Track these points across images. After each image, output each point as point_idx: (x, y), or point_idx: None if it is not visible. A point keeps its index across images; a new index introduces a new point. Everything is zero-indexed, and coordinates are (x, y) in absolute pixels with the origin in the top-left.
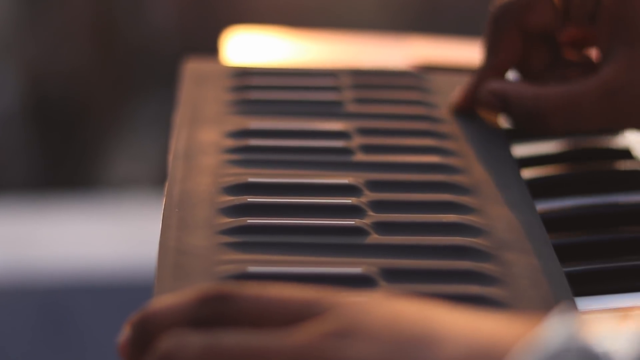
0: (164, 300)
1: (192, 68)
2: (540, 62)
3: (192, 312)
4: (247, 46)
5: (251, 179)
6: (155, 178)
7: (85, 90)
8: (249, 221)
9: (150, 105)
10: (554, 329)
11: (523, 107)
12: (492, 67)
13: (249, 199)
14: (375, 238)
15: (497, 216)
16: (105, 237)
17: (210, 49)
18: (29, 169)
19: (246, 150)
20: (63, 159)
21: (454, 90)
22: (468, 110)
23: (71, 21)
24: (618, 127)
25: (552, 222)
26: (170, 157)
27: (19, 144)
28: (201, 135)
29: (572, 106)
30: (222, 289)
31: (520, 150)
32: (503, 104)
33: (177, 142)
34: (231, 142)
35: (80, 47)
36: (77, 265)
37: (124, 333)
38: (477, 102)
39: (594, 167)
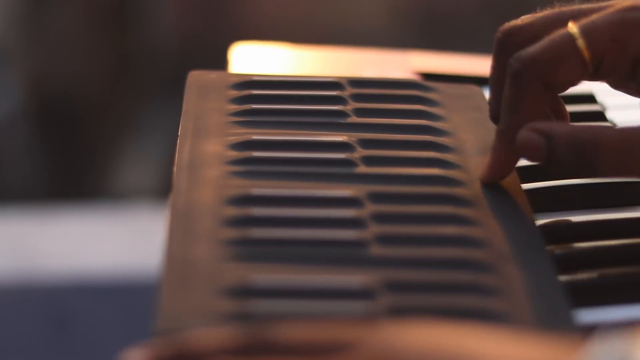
0: (196, 339)
1: (195, 79)
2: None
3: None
4: (252, 61)
5: (255, 191)
6: (160, 185)
7: (89, 96)
8: (253, 233)
9: (155, 112)
10: (602, 353)
11: (574, 146)
12: (514, 126)
13: (252, 211)
14: (376, 250)
15: (497, 228)
16: (109, 244)
17: (217, 54)
18: (32, 174)
19: (250, 161)
20: (66, 165)
21: (481, 165)
22: (500, 179)
23: (76, 24)
24: None
25: (552, 234)
26: (174, 169)
27: (21, 148)
28: (205, 146)
29: (630, 149)
30: (259, 334)
31: (521, 161)
32: (549, 144)
33: (181, 153)
34: (235, 154)
35: (85, 50)
36: (81, 272)
37: None
38: (516, 148)
39: (596, 180)
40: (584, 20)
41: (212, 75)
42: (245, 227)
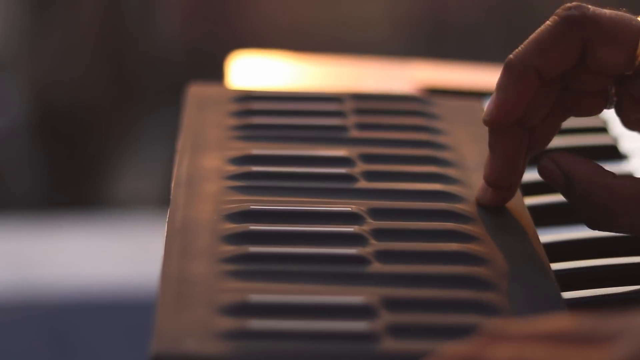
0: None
1: (195, 92)
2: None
3: None
4: (252, 71)
5: (253, 207)
6: (162, 196)
7: (91, 106)
8: (251, 249)
9: (158, 121)
10: None
11: (589, 197)
12: (524, 60)
13: (251, 227)
14: (377, 267)
15: (499, 245)
16: (110, 255)
17: (220, 65)
18: (33, 185)
19: (248, 176)
20: (68, 176)
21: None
22: (509, 122)
23: (78, 35)
24: None
25: (555, 250)
26: (172, 184)
27: (23, 159)
28: (203, 161)
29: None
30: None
31: (524, 176)
32: (566, 183)
33: (179, 168)
34: (233, 168)
35: (87, 60)
36: (82, 286)
37: None
38: (539, 170)
39: None
40: None
41: (212, 89)
42: (244, 243)
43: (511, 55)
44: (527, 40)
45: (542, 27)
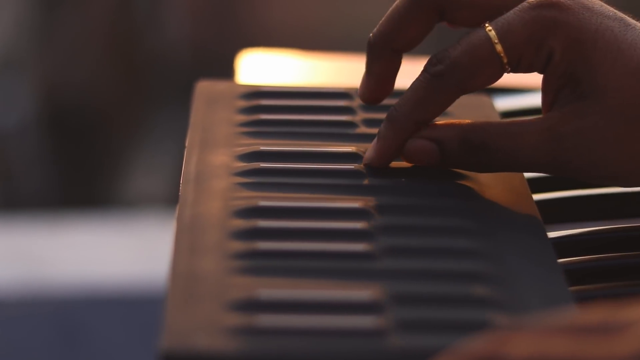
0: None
1: (203, 89)
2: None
3: None
4: (261, 68)
5: (262, 203)
6: (171, 193)
7: (100, 104)
8: (259, 245)
9: (167, 119)
10: None
11: (464, 149)
12: (413, 121)
13: (259, 223)
14: (386, 263)
15: (507, 241)
16: (119, 253)
17: (228, 63)
18: (43, 183)
19: (257, 173)
20: (77, 174)
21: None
22: (386, 164)
23: (87, 33)
24: (561, 175)
25: (564, 246)
26: (181, 180)
27: (32, 157)
28: (212, 157)
29: (519, 148)
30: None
31: (530, 173)
32: (441, 149)
33: (188, 165)
34: (242, 165)
35: (96, 59)
36: (91, 283)
37: None
38: (407, 154)
39: (606, 190)
40: (500, 22)
41: (220, 85)
42: (253, 240)
43: (370, 34)
44: (384, 18)
45: (396, 3)
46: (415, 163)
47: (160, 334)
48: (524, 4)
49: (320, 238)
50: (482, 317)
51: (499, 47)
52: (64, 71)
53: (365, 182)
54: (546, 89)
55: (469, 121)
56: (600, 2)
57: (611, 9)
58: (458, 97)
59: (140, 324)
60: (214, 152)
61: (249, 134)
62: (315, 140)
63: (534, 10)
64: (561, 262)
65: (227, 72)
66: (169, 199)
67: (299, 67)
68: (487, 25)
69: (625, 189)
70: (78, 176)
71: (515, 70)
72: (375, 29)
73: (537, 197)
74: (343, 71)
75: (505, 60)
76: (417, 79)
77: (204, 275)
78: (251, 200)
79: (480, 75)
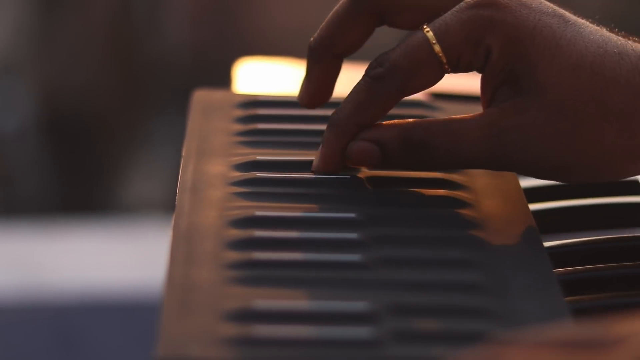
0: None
1: (200, 98)
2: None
3: None
4: (258, 77)
5: (258, 213)
6: (169, 199)
7: (99, 109)
8: (255, 255)
9: (165, 125)
10: None
11: (406, 149)
12: (354, 125)
13: (255, 233)
14: (381, 273)
15: (503, 251)
16: (117, 259)
17: (227, 68)
18: (41, 188)
19: (253, 182)
20: (76, 179)
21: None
22: (334, 171)
23: (86, 38)
24: (503, 169)
25: (560, 257)
26: (177, 190)
27: (31, 162)
28: (208, 167)
29: (459, 144)
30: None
31: (528, 182)
32: (382, 150)
33: (184, 174)
34: (238, 174)
35: (95, 64)
36: (89, 289)
37: None
38: (349, 157)
39: (602, 200)
40: (438, 22)
41: (217, 94)
42: (248, 250)
43: (311, 39)
44: (324, 22)
45: (336, 7)
46: (358, 165)
47: (155, 343)
48: (462, 4)
49: (316, 248)
50: (477, 328)
51: (437, 48)
52: (63, 76)
53: (361, 192)
54: (485, 87)
55: (410, 120)
56: None
57: (551, 5)
58: (399, 99)
59: (138, 331)
60: (210, 162)
61: (245, 143)
62: (311, 150)
63: (471, 10)
64: (557, 272)
65: (226, 77)
66: (168, 205)
67: (296, 75)
68: (425, 26)
69: (623, 197)
70: (76, 181)
71: (455, 70)
72: (315, 34)
73: (533, 206)
74: (340, 80)
75: (444, 60)
76: (358, 83)
77: (199, 285)
78: (247, 210)
79: (420, 77)
